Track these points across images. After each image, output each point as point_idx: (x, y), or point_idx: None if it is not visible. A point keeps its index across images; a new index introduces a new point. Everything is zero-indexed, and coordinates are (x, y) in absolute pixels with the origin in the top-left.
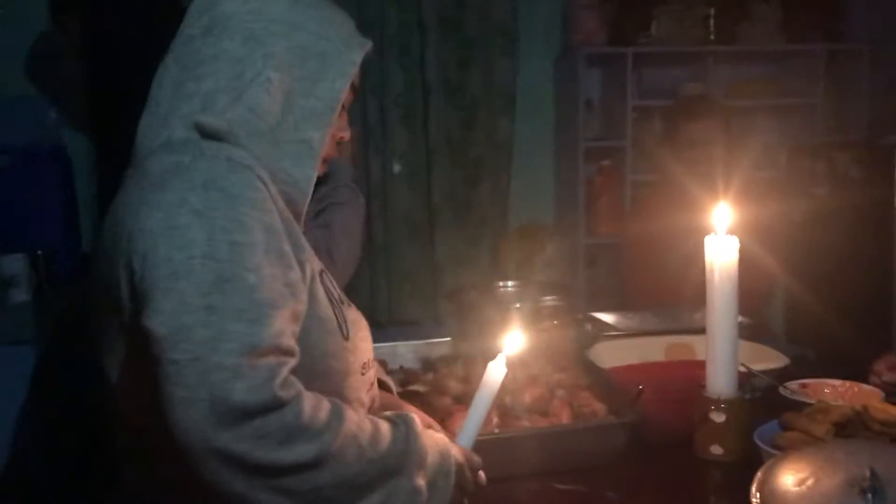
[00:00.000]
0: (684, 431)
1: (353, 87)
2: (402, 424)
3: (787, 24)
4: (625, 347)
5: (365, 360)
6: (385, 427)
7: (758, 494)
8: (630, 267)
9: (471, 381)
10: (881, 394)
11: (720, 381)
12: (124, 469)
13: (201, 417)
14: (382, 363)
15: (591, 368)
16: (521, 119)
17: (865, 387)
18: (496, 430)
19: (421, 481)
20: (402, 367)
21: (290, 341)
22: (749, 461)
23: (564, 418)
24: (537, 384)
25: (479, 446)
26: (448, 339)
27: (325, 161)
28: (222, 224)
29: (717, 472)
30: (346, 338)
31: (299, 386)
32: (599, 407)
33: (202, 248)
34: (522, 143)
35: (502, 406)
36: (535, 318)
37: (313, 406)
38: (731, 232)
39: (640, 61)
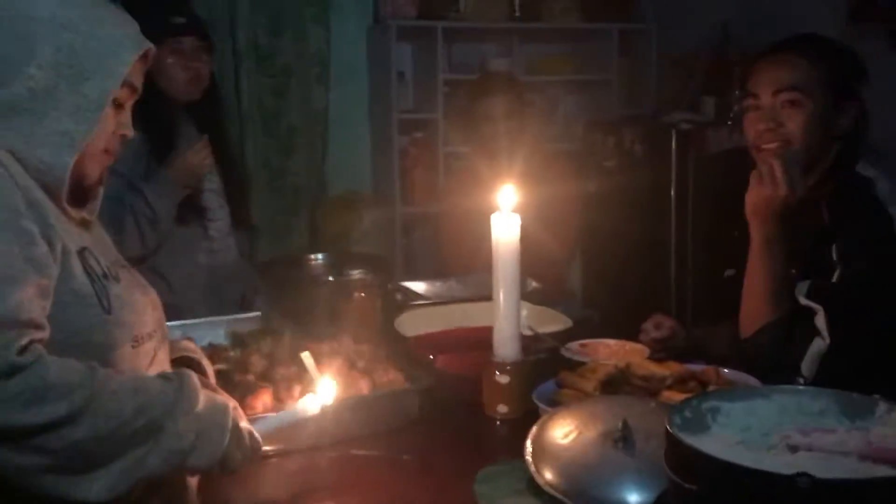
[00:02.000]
0: (475, 393)
1: (133, 87)
2: (175, 379)
3: (585, 4)
4: (430, 315)
5: (137, 334)
6: (155, 381)
7: (531, 447)
8: (445, 238)
9: (275, 357)
10: (646, 350)
11: (505, 346)
12: None
13: None
14: (190, 342)
15: (393, 338)
16: (336, 88)
17: (635, 345)
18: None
19: (185, 427)
20: (210, 344)
21: (31, 314)
22: (531, 418)
23: (363, 388)
24: (338, 356)
25: None
26: (258, 314)
27: (108, 152)
28: None
29: (504, 428)
30: (108, 311)
31: (42, 351)
32: (395, 375)
33: None
34: (338, 112)
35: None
36: (344, 290)
37: (61, 368)
38: (523, 206)
39: (449, 36)
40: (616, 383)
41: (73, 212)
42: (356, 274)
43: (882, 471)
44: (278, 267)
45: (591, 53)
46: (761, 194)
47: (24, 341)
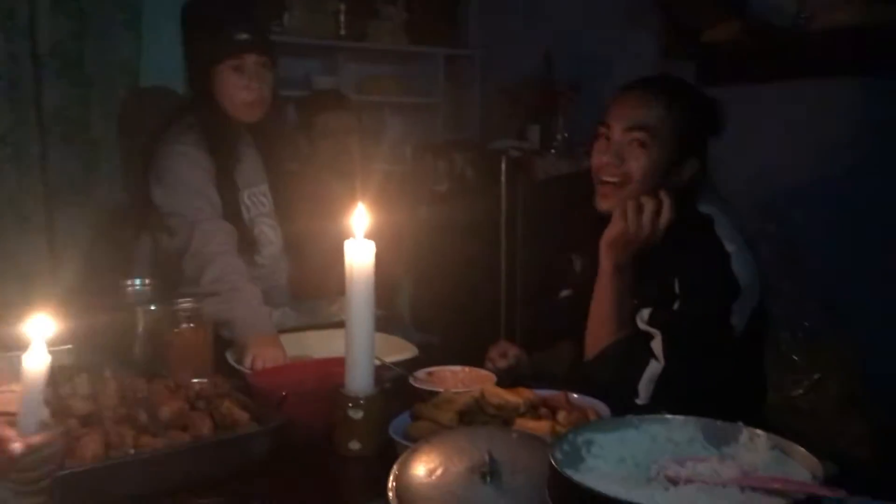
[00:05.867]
0: (326, 430)
1: None
2: None
3: (412, 27)
4: None
5: None
6: None
7: (394, 486)
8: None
9: (100, 398)
10: (494, 377)
11: (358, 378)
12: None
13: None
14: None
15: (228, 373)
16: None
17: (482, 371)
18: (131, 451)
19: None
20: None
21: None
22: (388, 453)
23: (205, 430)
24: (176, 397)
25: (113, 469)
26: (69, 346)
27: None
28: None
29: (359, 467)
30: None
31: None
32: (240, 415)
33: None
34: None
35: (137, 423)
36: (167, 320)
37: None
38: (366, 230)
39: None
40: (472, 413)
41: None
42: (183, 301)
43: (769, 501)
44: (86, 295)
45: (417, 76)
46: (622, 229)
47: None
